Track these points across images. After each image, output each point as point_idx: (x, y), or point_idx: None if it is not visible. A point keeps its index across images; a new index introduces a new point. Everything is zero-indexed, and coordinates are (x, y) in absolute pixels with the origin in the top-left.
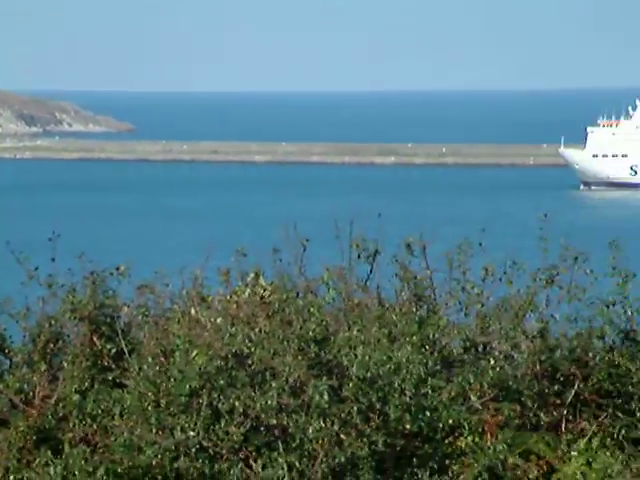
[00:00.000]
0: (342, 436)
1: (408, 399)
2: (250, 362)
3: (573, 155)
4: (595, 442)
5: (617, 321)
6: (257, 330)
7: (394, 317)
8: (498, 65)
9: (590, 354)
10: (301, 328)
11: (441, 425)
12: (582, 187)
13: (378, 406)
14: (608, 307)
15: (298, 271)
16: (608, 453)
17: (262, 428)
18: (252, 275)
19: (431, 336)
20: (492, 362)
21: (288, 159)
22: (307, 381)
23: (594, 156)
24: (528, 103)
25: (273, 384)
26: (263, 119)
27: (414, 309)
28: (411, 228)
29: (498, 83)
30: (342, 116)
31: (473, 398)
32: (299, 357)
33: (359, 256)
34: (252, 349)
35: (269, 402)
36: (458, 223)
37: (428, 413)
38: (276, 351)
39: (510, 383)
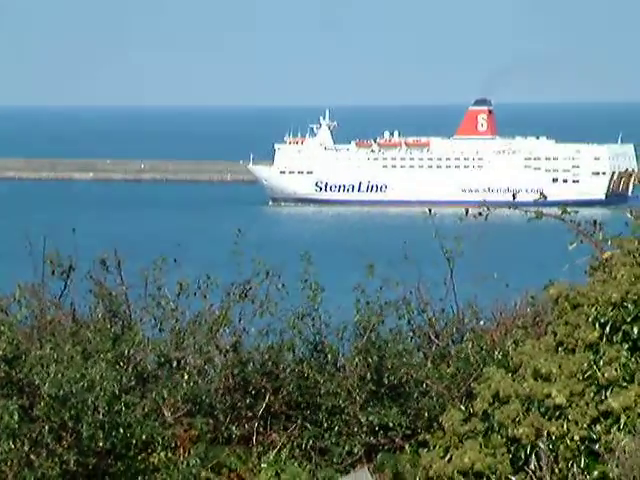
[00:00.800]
0: (32, 456)
1: (101, 416)
2: None
3: (261, 171)
4: (284, 453)
5: (307, 334)
6: None
7: (89, 334)
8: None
9: (281, 366)
10: None
11: (134, 441)
12: (271, 203)
13: (70, 424)
14: (298, 319)
15: None
16: (296, 463)
17: None
18: None
19: (126, 352)
20: (186, 377)
21: None
22: None
23: (281, 172)
24: (223, 118)
25: None
26: None
27: (109, 325)
28: (107, 244)
29: (201, 99)
30: (37, 130)
31: (167, 413)
32: None
33: (53, 272)
34: None
35: None
36: (154, 239)
37: (122, 430)
38: None
39: (203, 397)
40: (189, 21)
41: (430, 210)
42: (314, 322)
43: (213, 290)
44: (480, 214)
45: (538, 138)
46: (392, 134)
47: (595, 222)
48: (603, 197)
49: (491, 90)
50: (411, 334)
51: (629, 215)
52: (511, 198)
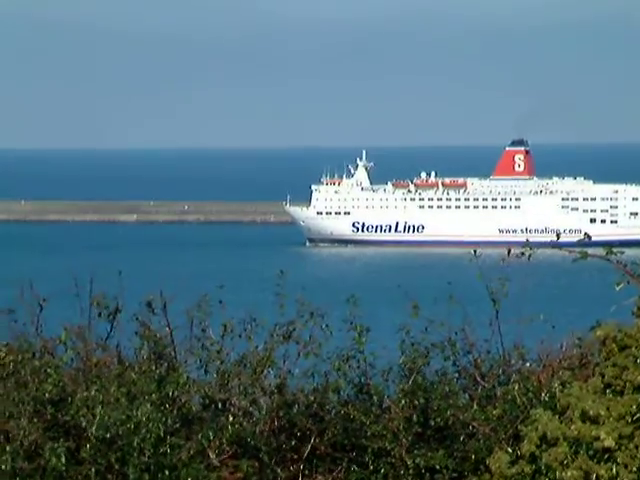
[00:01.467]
0: None
1: (147, 458)
2: None
3: (299, 212)
4: None
5: (352, 375)
6: None
7: (133, 375)
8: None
9: (326, 408)
10: (37, 389)
11: None
12: (308, 244)
13: (117, 467)
14: (343, 361)
15: (35, 331)
16: None
17: None
18: None
19: (171, 394)
20: (231, 419)
21: (26, 218)
22: (43, 443)
23: (318, 213)
24: (257, 160)
25: (7, 448)
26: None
27: (154, 367)
28: (152, 286)
29: (225, 141)
30: (83, 173)
31: (212, 455)
32: (35, 419)
33: (99, 314)
34: None
35: (3, 467)
36: (198, 280)
37: (167, 472)
38: (11, 414)
39: (249, 439)
40: (226, 59)
41: (475, 251)
42: (359, 363)
43: (258, 332)
44: (523, 254)
45: (575, 178)
46: (429, 175)
47: None
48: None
49: (525, 131)
50: (457, 375)
51: None
52: (550, 238)
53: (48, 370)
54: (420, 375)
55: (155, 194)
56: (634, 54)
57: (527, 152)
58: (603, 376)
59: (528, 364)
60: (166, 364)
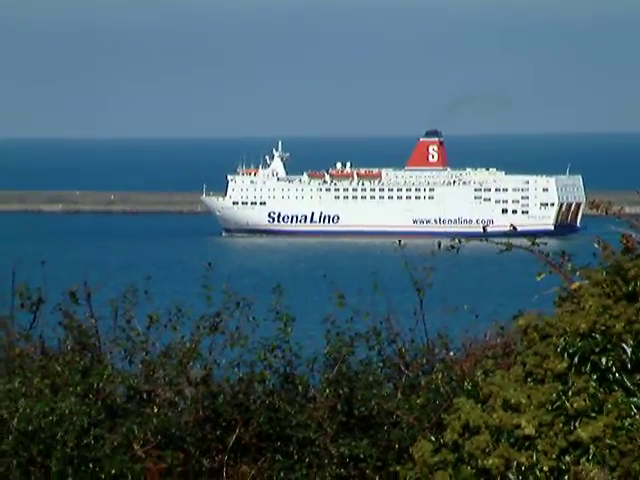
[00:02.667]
0: None
1: (70, 450)
2: None
3: (215, 202)
4: None
5: (277, 365)
6: None
7: (57, 367)
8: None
9: (251, 398)
10: None
11: (104, 476)
12: (224, 234)
13: (39, 459)
14: (269, 351)
15: None
16: None
17: None
18: None
19: (95, 385)
20: (156, 410)
21: None
22: None
23: (234, 203)
24: (176, 151)
25: None
26: None
27: (78, 358)
28: (76, 276)
29: (152, 131)
30: (4, 163)
31: (136, 447)
32: None
33: (22, 305)
34: None
35: None
36: (123, 270)
37: (91, 465)
38: None
39: (174, 430)
40: (143, 53)
41: (400, 241)
42: (284, 353)
43: (184, 322)
44: (453, 247)
45: (488, 169)
46: (344, 165)
47: (564, 253)
48: (552, 228)
49: (442, 122)
50: (381, 365)
51: (597, 245)
52: (464, 229)
53: None
54: (345, 365)
55: (81, 184)
56: (554, 43)
57: (441, 143)
58: (524, 365)
59: (452, 353)
60: (90, 355)
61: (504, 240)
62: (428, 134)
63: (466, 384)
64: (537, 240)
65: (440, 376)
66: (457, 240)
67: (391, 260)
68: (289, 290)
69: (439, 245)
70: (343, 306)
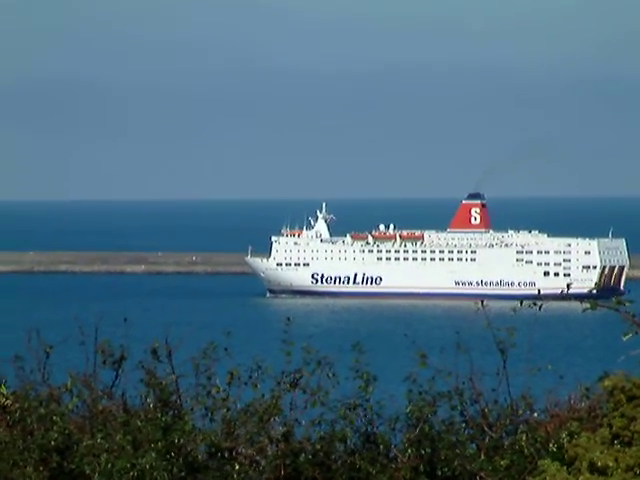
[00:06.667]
0: None
1: None
2: None
3: (259, 263)
4: None
5: (358, 424)
6: None
7: (139, 423)
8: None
9: (332, 457)
10: (42, 437)
11: None
12: (268, 294)
13: None
14: (350, 410)
15: (41, 379)
16: None
17: None
18: None
19: (176, 442)
20: (237, 467)
21: (35, 268)
22: None
23: (278, 264)
24: (225, 211)
25: None
26: (6, 229)
27: (159, 415)
28: (157, 334)
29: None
30: (89, 225)
31: None
32: (40, 467)
33: (104, 362)
34: None
35: None
36: (204, 328)
37: None
38: (16, 462)
39: None
40: (188, 113)
41: (482, 301)
42: (366, 412)
43: (264, 380)
44: (534, 304)
45: (530, 232)
46: (387, 227)
47: None
48: (592, 291)
49: (485, 184)
50: (464, 425)
51: None
52: (506, 291)
53: (54, 418)
54: (427, 424)
55: (161, 245)
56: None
57: (483, 205)
58: (611, 427)
59: (536, 414)
60: (172, 412)
61: (589, 300)
62: (470, 196)
63: (551, 446)
64: (621, 299)
65: (524, 437)
66: (539, 299)
67: (435, 320)
68: (367, 349)
69: (521, 303)
70: (425, 365)
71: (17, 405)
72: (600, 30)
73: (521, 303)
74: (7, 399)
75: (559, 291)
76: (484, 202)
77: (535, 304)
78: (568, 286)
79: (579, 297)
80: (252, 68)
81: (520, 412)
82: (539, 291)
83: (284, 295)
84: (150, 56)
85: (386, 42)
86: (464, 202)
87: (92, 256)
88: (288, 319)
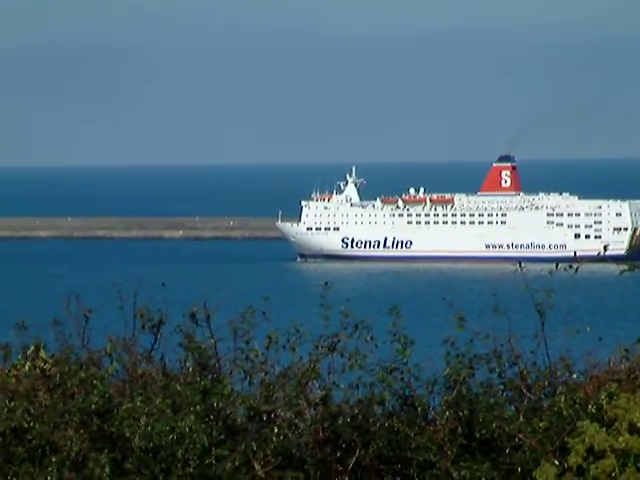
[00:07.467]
0: None
1: (192, 469)
2: (30, 437)
3: (289, 228)
4: None
5: (396, 387)
6: (37, 404)
7: (178, 387)
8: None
9: (371, 420)
10: (83, 401)
11: None
12: (299, 259)
13: (161, 478)
14: (388, 373)
15: (81, 343)
16: None
17: None
18: (32, 348)
19: (215, 405)
20: (276, 430)
21: (73, 234)
22: (89, 454)
23: (308, 229)
24: (256, 175)
25: (53, 459)
26: (46, 194)
27: (199, 379)
28: (195, 297)
29: (222, 158)
30: (128, 189)
31: (257, 467)
32: (81, 430)
33: (143, 326)
34: (32, 424)
35: (49, 477)
36: (240, 292)
37: None
38: (57, 425)
39: (294, 451)
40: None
41: (520, 263)
42: (403, 375)
43: (302, 344)
44: (570, 266)
45: (561, 194)
46: (417, 190)
47: None
48: (624, 253)
49: (515, 147)
50: (502, 387)
51: None
52: (537, 253)
53: (94, 382)
54: (465, 387)
55: (197, 210)
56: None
57: (514, 168)
58: None
59: (575, 376)
60: (210, 376)
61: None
62: (501, 159)
63: (590, 407)
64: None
65: (563, 399)
66: (576, 261)
67: (471, 283)
68: (404, 312)
69: (556, 266)
70: (463, 329)
71: (57, 369)
72: None
73: (557, 266)
74: (47, 363)
75: (592, 253)
76: (514, 165)
77: (571, 267)
78: (605, 248)
79: (615, 259)
80: (274, 30)
81: (558, 374)
82: (575, 253)
83: (314, 259)
84: (184, 18)
85: (417, 7)
86: (494, 165)
87: (129, 221)
88: (326, 283)
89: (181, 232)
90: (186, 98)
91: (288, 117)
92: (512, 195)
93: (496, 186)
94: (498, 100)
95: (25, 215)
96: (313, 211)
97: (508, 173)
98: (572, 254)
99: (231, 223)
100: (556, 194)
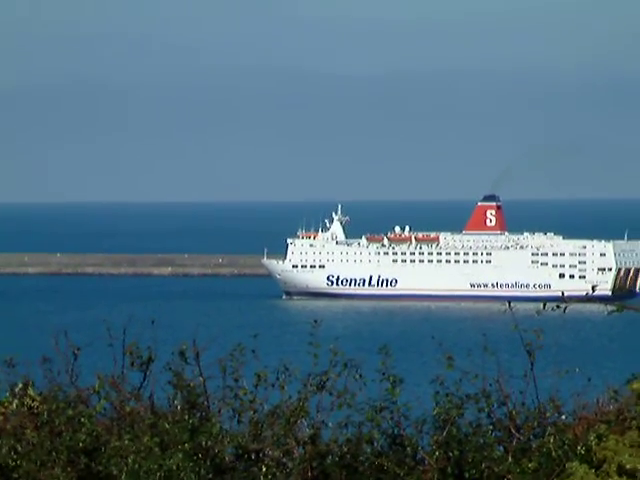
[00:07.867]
0: None
1: None
2: (17, 475)
3: (274, 265)
4: None
5: (385, 426)
6: (24, 442)
7: (166, 425)
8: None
9: (360, 459)
10: (70, 439)
11: None
12: (284, 296)
13: None
14: (377, 412)
15: (69, 380)
16: None
17: None
18: (20, 385)
19: (204, 444)
20: (264, 469)
21: (62, 270)
22: None
23: (294, 266)
24: (244, 213)
25: None
26: (35, 230)
27: (187, 417)
28: (185, 335)
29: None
30: (118, 226)
31: None
32: (68, 468)
33: (132, 364)
34: (18, 462)
35: None
36: (228, 330)
37: None
38: (44, 463)
39: None
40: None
41: (509, 302)
42: (392, 414)
43: (291, 382)
44: (558, 306)
45: (546, 234)
46: (402, 229)
47: None
48: (609, 293)
49: (500, 186)
50: (491, 427)
51: None
52: (522, 293)
53: (82, 419)
54: (454, 427)
55: (184, 247)
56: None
57: (499, 207)
58: None
59: (564, 417)
60: (199, 414)
61: (615, 303)
62: (486, 198)
63: (579, 449)
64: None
65: (552, 440)
66: (564, 301)
67: (460, 322)
68: (393, 351)
69: (544, 306)
70: (452, 368)
71: (45, 407)
72: (612, 30)
73: (544, 306)
74: (35, 401)
75: (576, 293)
76: (499, 204)
77: (559, 306)
78: (593, 288)
79: (602, 299)
80: (263, 69)
81: (548, 415)
82: (563, 293)
83: (300, 297)
84: (166, 57)
85: (399, 46)
86: (479, 204)
87: (119, 258)
88: (315, 321)
89: (170, 269)
90: (174, 135)
91: (276, 156)
92: (497, 234)
93: (481, 225)
94: (482, 140)
95: (14, 251)
96: (299, 249)
97: (493, 212)
98: (557, 294)
99: (220, 260)
100: (541, 234)
